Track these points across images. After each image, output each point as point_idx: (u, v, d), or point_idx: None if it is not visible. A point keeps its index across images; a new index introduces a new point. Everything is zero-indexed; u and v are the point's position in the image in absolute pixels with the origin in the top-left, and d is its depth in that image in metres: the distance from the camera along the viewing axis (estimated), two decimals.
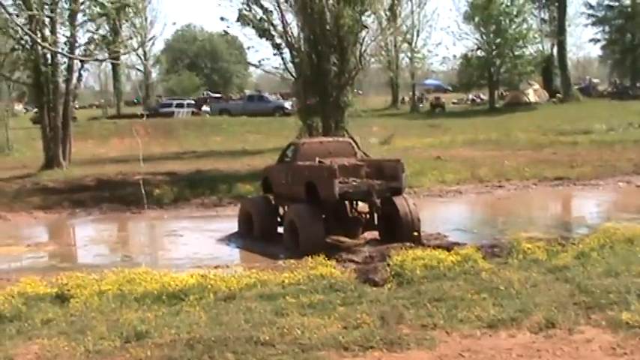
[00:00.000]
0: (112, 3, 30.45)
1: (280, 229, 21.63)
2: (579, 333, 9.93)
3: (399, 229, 19.54)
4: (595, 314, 10.51)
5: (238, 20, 35.94)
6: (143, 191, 29.03)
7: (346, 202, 20.34)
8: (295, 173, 21.16)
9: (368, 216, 20.72)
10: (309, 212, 19.84)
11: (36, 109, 53.95)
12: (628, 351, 9.23)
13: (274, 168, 23.16)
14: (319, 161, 20.81)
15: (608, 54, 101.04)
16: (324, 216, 20.02)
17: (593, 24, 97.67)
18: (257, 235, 21.86)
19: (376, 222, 20.52)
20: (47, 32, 36.02)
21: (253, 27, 35.52)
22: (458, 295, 11.72)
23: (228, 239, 22.64)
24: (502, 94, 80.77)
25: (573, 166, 33.27)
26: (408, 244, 17.81)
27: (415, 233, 19.03)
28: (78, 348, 9.97)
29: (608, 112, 57.33)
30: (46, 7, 36.04)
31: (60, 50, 35.54)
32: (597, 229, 18.27)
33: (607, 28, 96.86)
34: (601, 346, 9.46)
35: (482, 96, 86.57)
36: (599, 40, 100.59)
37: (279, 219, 22.17)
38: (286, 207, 21.54)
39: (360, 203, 20.90)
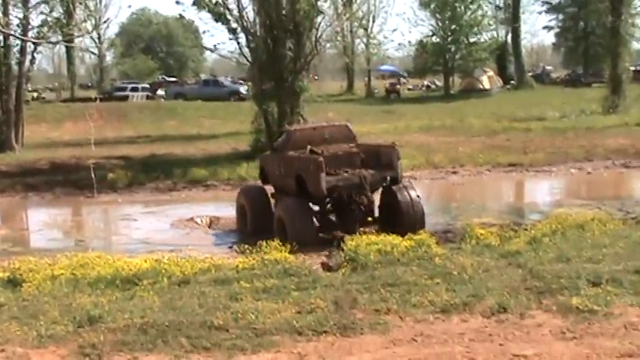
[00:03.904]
0: None
1: None
2: (530, 317, 10.04)
3: (400, 222, 17.93)
4: (546, 299, 10.63)
5: (194, 4, 35.72)
6: (93, 176, 28.85)
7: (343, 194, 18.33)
8: (286, 164, 19.50)
9: (367, 208, 18.61)
10: (297, 207, 18.41)
11: None
12: (577, 335, 9.36)
13: (269, 157, 21.12)
14: (311, 150, 19.16)
15: (561, 41, 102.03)
16: (318, 209, 18.82)
17: (547, 11, 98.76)
18: (250, 231, 19.56)
19: (376, 215, 18.81)
20: None
21: (209, 11, 35.30)
22: (411, 280, 11.78)
23: (184, 224, 22.54)
24: (460, 82, 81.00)
25: (526, 153, 33.50)
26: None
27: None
28: (30, 333, 9.90)
29: (561, 100, 57.74)
30: None
31: (12, 32, 35.13)
32: (549, 215, 18.49)
33: (560, 16, 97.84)
34: (551, 330, 9.57)
35: (437, 82, 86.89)
36: (552, 28, 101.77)
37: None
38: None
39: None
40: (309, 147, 19.31)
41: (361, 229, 17.87)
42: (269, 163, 20.87)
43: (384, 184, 18.96)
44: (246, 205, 20.51)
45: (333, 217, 19.10)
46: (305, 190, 18.40)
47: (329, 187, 17.87)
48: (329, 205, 19.02)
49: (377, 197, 19.26)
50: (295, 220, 18.03)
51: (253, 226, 19.83)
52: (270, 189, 20.88)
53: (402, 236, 15.12)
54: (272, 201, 20.36)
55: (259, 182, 21.88)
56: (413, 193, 18.65)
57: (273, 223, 18.70)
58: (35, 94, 69.20)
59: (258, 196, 20.77)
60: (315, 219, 18.71)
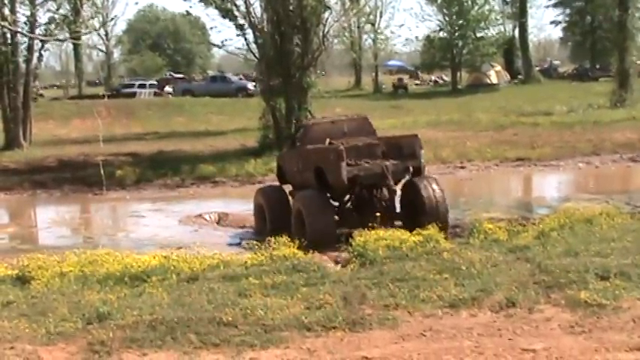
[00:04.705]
0: None
1: None
2: (539, 312, 10.03)
3: (422, 216, 17.10)
4: (554, 293, 10.61)
5: (201, 0, 35.80)
6: (102, 173, 28.90)
7: (363, 188, 17.97)
8: (304, 158, 18.99)
9: (389, 203, 18.11)
10: (317, 200, 17.77)
11: None
12: (586, 329, 9.34)
13: (286, 154, 20.84)
14: (330, 142, 18.59)
15: (568, 36, 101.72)
16: (337, 204, 18.28)
17: (554, 6, 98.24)
18: (269, 231, 17.90)
19: (398, 209, 18.24)
20: (7, 11, 35.63)
21: (216, 7, 35.37)
22: (420, 275, 11.76)
23: (192, 221, 22.54)
24: (468, 77, 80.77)
25: (534, 147, 33.47)
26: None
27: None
28: (39, 330, 9.91)
29: (569, 94, 57.64)
30: None
31: (20, 30, 35.23)
32: (557, 210, 18.44)
33: (568, 10, 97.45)
34: (560, 324, 9.56)
35: (444, 77, 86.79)
36: (559, 22, 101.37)
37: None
38: None
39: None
40: (328, 140, 18.78)
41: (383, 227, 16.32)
42: (286, 160, 20.44)
43: (407, 175, 18.27)
44: (264, 205, 19.91)
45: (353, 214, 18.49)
46: (325, 184, 17.79)
47: (350, 176, 17.19)
48: (349, 203, 18.59)
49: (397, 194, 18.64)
50: (315, 212, 17.44)
51: (272, 225, 18.84)
52: (287, 189, 20.38)
53: (411, 232, 15.02)
54: (291, 200, 19.69)
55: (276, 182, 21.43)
56: (437, 190, 17.90)
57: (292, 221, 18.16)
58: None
59: (276, 195, 20.18)
60: (334, 214, 18.15)
